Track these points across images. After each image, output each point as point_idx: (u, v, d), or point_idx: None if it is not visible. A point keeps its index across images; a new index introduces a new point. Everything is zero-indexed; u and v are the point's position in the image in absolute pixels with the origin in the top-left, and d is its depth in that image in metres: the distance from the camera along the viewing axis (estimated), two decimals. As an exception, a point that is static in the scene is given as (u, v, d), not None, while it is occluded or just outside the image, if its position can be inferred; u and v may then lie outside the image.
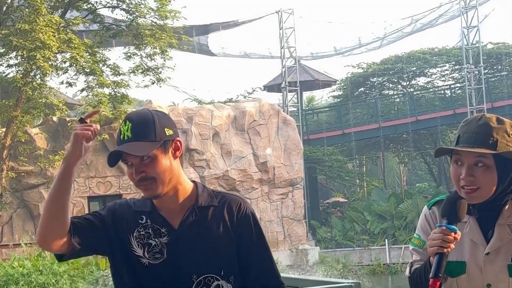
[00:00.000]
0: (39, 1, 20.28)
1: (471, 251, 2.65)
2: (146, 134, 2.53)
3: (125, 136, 2.54)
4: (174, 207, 2.61)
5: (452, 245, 2.49)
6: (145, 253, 2.56)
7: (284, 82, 35.11)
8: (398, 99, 43.11)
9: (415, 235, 2.79)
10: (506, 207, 2.65)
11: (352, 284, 5.10)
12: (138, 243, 2.58)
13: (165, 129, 2.58)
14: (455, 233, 2.50)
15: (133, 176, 2.55)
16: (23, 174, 22.87)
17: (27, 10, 20.88)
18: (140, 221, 2.60)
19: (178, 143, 2.62)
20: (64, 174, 2.52)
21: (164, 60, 23.80)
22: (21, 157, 22.18)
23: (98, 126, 2.55)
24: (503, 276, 2.61)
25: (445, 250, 2.49)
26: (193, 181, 2.71)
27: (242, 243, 2.61)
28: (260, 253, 2.64)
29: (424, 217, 2.79)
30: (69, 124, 23.00)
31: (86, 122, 2.54)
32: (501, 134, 2.63)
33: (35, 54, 20.09)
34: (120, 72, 23.44)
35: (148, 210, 2.62)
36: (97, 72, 22.19)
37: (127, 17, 23.75)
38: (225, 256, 2.59)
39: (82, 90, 23.25)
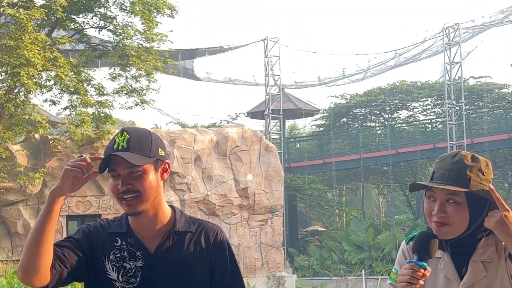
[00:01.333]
0: (25, 18, 20.32)
1: (445, 287, 2.66)
2: (141, 148, 2.55)
3: (119, 146, 2.55)
4: (151, 229, 2.59)
5: (421, 282, 2.50)
6: (119, 276, 2.54)
7: (267, 110, 35.28)
8: (379, 131, 43.42)
9: (393, 269, 2.78)
10: (480, 244, 2.64)
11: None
12: (112, 266, 2.55)
13: (159, 148, 2.61)
14: (425, 269, 2.51)
15: (118, 187, 2.55)
16: (2, 190, 22.73)
17: (13, 26, 20.91)
18: (115, 243, 2.58)
19: (167, 165, 2.65)
20: (48, 209, 2.52)
21: (149, 82, 23.88)
22: (1, 174, 22.06)
23: (93, 166, 2.50)
24: None
25: (414, 286, 2.50)
26: (171, 206, 2.71)
27: (217, 271, 2.61)
28: (233, 283, 2.64)
29: (401, 252, 2.82)
30: (51, 142, 22.94)
31: (85, 159, 2.51)
32: (474, 172, 2.63)
33: (19, 71, 20.09)
34: (105, 92, 23.48)
35: (123, 232, 2.60)
36: (82, 92, 22.21)
37: (113, 38, 23.84)
38: (199, 283, 2.58)
39: (66, 108, 23.24)
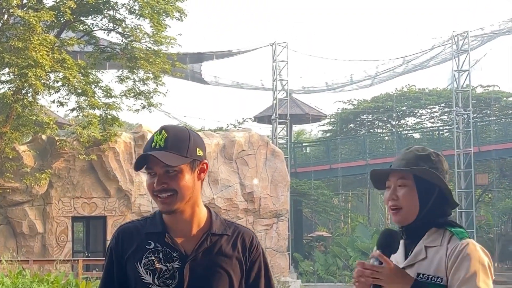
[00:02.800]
0: (34, 20, 20.38)
1: None
2: (179, 148, 2.55)
3: (157, 145, 2.54)
4: (187, 230, 2.59)
5: (366, 279, 2.74)
6: (155, 279, 2.53)
7: (274, 114, 35.27)
8: (386, 138, 43.36)
9: None
10: (429, 231, 2.85)
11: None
12: (146, 270, 2.54)
13: (197, 148, 2.63)
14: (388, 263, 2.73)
15: (154, 186, 2.54)
16: (8, 190, 22.78)
17: (21, 28, 20.97)
18: (147, 246, 2.56)
19: (205, 165, 2.66)
20: None
21: (157, 85, 23.91)
22: (7, 174, 22.11)
23: None
24: None
25: (379, 281, 2.72)
26: (207, 207, 2.71)
27: (252, 275, 2.62)
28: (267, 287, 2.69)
29: None
30: (58, 143, 22.99)
31: None
32: (424, 160, 2.88)
33: (27, 72, 20.14)
34: (112, 94, 23.52)
35: (159, 231, 2.58)
36: (89, 93, 22.25)
37: (122, 41, 23.89)
38: (234, 286, 2.59)
39: (73, 110, 23.29)
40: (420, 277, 2.78)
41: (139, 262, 2.55)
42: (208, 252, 2.58)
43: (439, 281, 2.75)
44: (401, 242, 2.91)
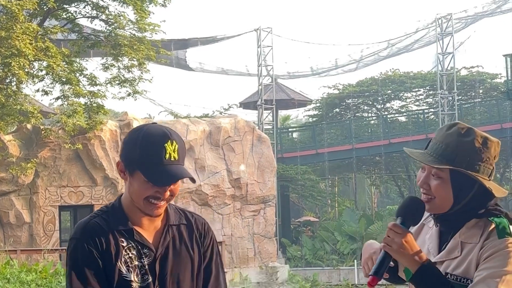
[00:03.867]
0: (17, 8, 20.20)
1: None
2: (183, 158, 2.55)
3: (172, 157, 2.49)
4: (149, 224, 2.60)
5: (395, 245, 2.45)
6: (135, 276, 2.55)
7: (260, 100, 35.26)
8: (372, 122, 43.47)
9: None
10: (468, 223, 2.55)
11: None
12: (127, 268, 2.55)
13: None
14: (407, 233, 2.47)
15: (156, 193, 2.51)
16: (-7, 180, 22.67)
17: (4, 17, 20.78)
18: (122, 244, 2.56)
19: None
20: None
21: (141, 73, 23.81)
22: (-7, 164, 22.00)
23: None
24: None
25: (389, 248, 2.46)
26: None
27: (206, 260, 2.68)
28: (218, 272, 2.71)
29: None
30: (43, 132, 22.88)
31: None
32: (465, 147, 2.53)
33: (10, 61, 19.99)
34: (97, 82, 23.40)
35: (126, 228, 2.57)
36: (74, 82, 22.12)
37: (106, 28, 23.74)
38: (198, 272, 2.64)
39: (58, 98, 23.16)
40: (448, 277, 2.50)
41: (118, 260, 2.54)
42: (172, 244, 2.61)
43: (468, 283, 2.46)
44: (436, 229, 2.64)
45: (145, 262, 2.56)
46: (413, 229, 2.75)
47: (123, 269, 2.54)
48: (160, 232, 2.60)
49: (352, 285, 30.13)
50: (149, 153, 2.48)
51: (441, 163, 2.53)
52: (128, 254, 2.55)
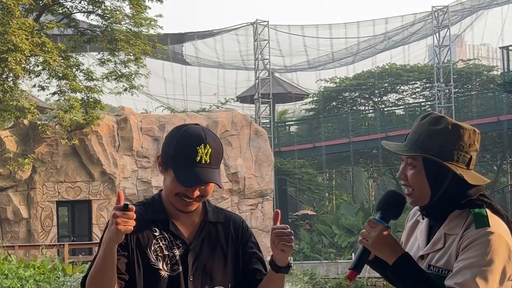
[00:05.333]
0: (12, 3, 20.15)
1: (414, 251, 2.62)
2: (218, 162, 2.62)
3: (203, 160, 2.57)
4: (187, 218, 2.68)
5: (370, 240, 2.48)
6: (164, 265, 2.61)
7: (257, 94, 35.24)
8: (369, 115, 43.47)
9: None
10: (452, 215, 2.54)
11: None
12: (156, 256, 2.62)
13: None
14: (383, 227, 2.48)
15: (187, 192, 2.58)
16: (-9, 176, 22.65)
17: (0, 12, 20.74)
18: (154, 233, 2.64)
19: None
20: (109, 257, 2.47)
21: (138, 68, 23.79)
22: (-10, 160, 21.98)
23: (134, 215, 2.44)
24: None
25: (366, 242, 2.49)
26: None
27: (248, 254, 2.76)
28: (264, 267, 2.79)
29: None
30: (40, 128, 22.85)
31: (129, 210, 2.41)
32: (436, 135, 2.53)
33: (7, 56, 19.96)
34: (93, 77, 23.38)
35: (162, 219, 2.66)
36: (70, 77, 22.11)
37: (102, 23, 23.71)
38: (233, 270, 2.72)
39: (54, 94, 23.14)
40: (431, 269, 2.50)
41: (148, 248, 2.62)
42: (207, 239, 2.70)
43: (449, 275, 2.44)
44: (425, 223, 2.63)
45: (177, 252, 2.63)
46: (407, 225, 2.78)
47: (152, 257, 2.61)
48: (196, 227, 2.70)
49: (350, 278, 30.19)
50: (181, 153, 2.58)
51: (413, 152, 2.54)
52: (159, 243, 2.64)
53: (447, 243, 2.50)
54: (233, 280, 2.71)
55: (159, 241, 2.64)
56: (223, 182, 26.27)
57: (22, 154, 22.47)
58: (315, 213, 38.54)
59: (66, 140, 22.39)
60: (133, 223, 2.40)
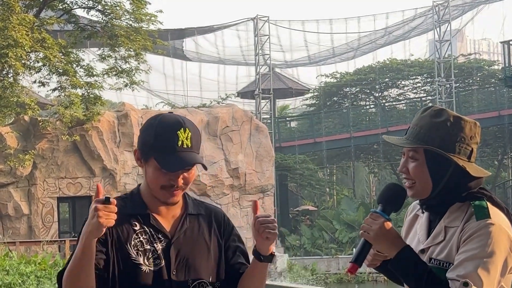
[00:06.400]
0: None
1: (415, 245, 2.60)
2: (198, 147, 2.60)
3: (184, 144, 2.55)
4: (167, 211, 2.64)
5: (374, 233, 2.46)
6: (145, 260, 2.57)
7: (257, 89, 35.21)
8: (370, 110, 43.44)
9: None
10: (452, 208, 2.54)
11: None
12: (137, 251, 2.58)
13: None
14: (385, 220, 2.47)
15: (171, 181, 2.56)
16: (-9, 173, 22.65)
17: (0, 7, 20.71)
18: (134, 227, 2.60)
19: None
20: (87, 252, 2.44)
21: (138, 63, 23.77)
22: (-10, 156, 21.97)
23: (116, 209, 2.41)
24: None
25: (367, 235, 2.47)
26: None
27: (230, 248, 2.73)
28: (244, 259, 2.75)
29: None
30: (40, 124, 22.84)
31: (110, 203, 2.37)
32: (438, 128, 2.54)
33: (7, 52, 19.93)
34: (94, 73, 23.36)
35: (143, 213, 2.62)
36: (70, 73, 22.08)
37: (102, 19, 23.68)
38: (215, 263, 2.68)
39: (54, 89, 23.12)
40: (432, 262, 2.50)
41: (128, 243, 2.58)
42: (189, 232, 2.66)
43: (450, 267, 2.44)
44: (425, 217, 2.63)
45: (159, 246, 2.59)
46: (407, 220, 2.77)
47: (132, 252, 2.57)
48: (177, 220, 2.66)
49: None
50: (162, 139, 2.54)
51: (415, 144, 2.56)
52: (139, 238, 2.59)
53: (447, 236, 2.50)
54: (216, 273, 2.67)
55: (140, 235, 2.59)
56: (224, 177, 26.32)
57: (22, 150, 22.47)
58: (316, 209, 38.53)
59: (66, 136, 22.38)
60: (114, 216, 2.36)
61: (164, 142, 2.54)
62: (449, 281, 2.39)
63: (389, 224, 2.48)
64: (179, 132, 2.54)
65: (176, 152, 2.53)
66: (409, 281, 2.49)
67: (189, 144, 2.55)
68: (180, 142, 2.54)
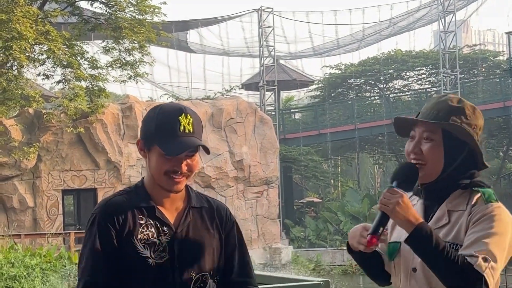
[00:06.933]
0: (17, -8, 20.11)
1: None
2: (200, 132, 2.62)
3: (186, 129, 2.58)
4: (171, 204, 2.66)
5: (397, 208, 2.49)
6: (151, 253, 2.59)
7: (262, 81, 35.15)
8: (374, 101, 43.35)
9: None
10: (455, 193, 2.62)
11: (321, 282, 5.11)
12: (143, 245, 2.59)
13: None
14: (403, 194, 2.51)
15: (173, 167, 2.58)
16: (-4, 165, 22.68)
17: (4, 0, 20.70)
18: (140, 221, 2.61)
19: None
20: None
21: (142, 55, 23.74)
22: (-5, 148, 22.00)
23: None
24: None
25: (386, 208, 2.51)
26: None
27: (230, 245, 2.73)
28: (243, 257, 2.76)
29: None
30: (45, 116, 22.86)
31: None
32: (457, 113, 2.63)
33: (11, 44, 19.92)
34: (98, 65, 23.34)
35: (148, 206, 2.63)
36: (75, 65, 22.07)
37: (106, 11, 23.64)
38: (215, 257, 2.69)
39: (59, 82, 23.12)
40: None
41: (134, 236, 2.59)
42: (193, 225, 2.67)
43: (458, 248, 2.50)
44: (420, 202, 2.69)
45: (164, 239, 2.60)
46: None
47: (139, 245, 2.58)
48: (181, 213, 2.66)
49: (355, 265, 30.23)
50: (164, 126, 2.57)
51: (437, 122, 2.63)
52: (145, 231, 2.60)
53: (452, 219, 2.58)
54: (215, 267, 2.68)
55: (145, 228, 2.60)
56: (228, 169, 26.31)
57: (27, 143, 22.49)
58: (320, 200, 38.51)
59: (71, 129, 22.40)
60: None
61: (166, 128, 2.57)
62: (466, 257, 2.44)
63: (407, 198, 2.53)
64: (180, 117, 2.57)
65: (178, 137, 2.56)
66: (426, 254, 2.50)
67: (191, 129, 2.57)
68: (182, 128, 2.57)
